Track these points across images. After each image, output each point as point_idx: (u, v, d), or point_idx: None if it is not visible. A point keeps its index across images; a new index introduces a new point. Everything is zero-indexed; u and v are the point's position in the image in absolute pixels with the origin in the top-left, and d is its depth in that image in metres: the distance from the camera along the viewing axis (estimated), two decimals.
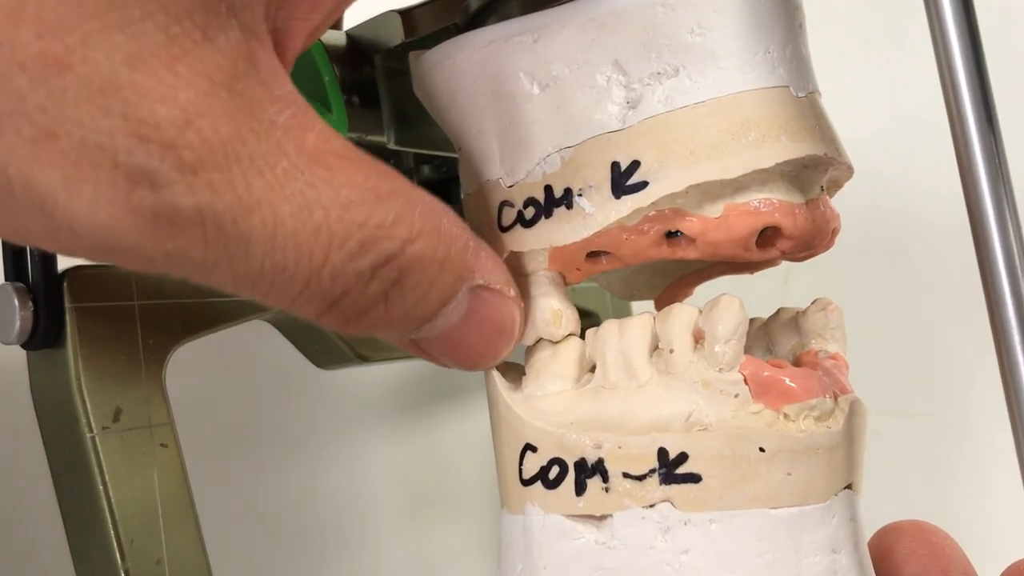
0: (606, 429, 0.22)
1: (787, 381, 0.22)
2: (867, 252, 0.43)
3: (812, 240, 0.23)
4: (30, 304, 0.22)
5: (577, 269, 0.23)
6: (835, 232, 0.24)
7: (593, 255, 0.23)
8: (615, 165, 0.22)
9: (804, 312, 0.25)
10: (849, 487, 0.23)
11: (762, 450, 0.21)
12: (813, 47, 0.24)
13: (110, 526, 0.22)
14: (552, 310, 0.23)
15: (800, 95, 0.23)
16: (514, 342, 0.22)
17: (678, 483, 0.21)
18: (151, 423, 0.23)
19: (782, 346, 0.26)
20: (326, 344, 0.30)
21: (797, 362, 0.24)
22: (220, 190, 0.16)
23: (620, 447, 0.21)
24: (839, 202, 0.25)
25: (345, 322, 0.20)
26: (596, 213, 0.22)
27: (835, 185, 0.25)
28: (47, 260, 0.22)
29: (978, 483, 0.42)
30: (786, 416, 0.22)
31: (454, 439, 0.32)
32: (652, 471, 0.21)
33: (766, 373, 0.22)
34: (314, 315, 0.19)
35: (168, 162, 0.15)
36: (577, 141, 0.22)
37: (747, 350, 0.25)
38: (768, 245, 0.22)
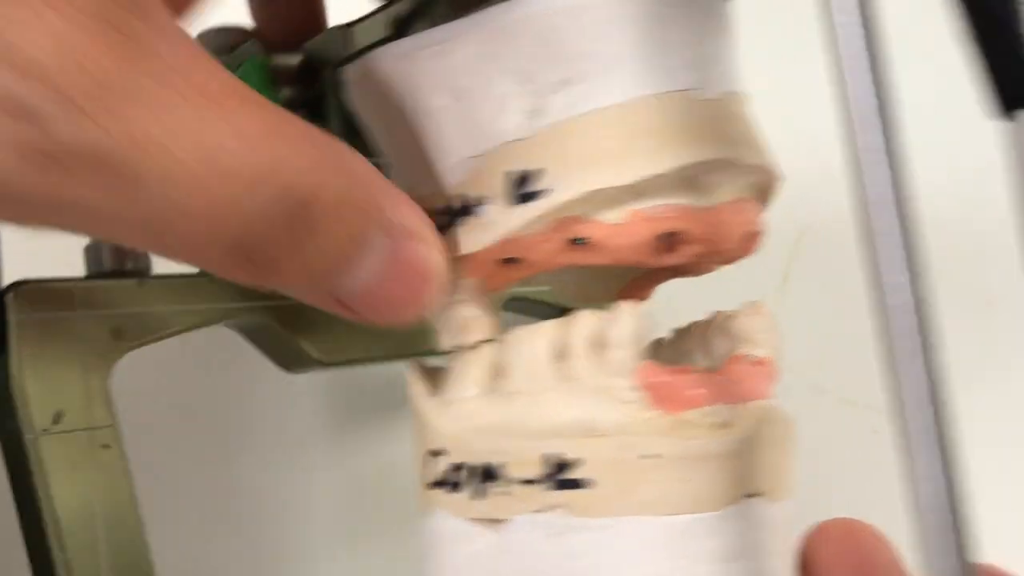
0: (506, 434, 0.22)
1: (683, 388, 0.22)
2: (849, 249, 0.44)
3: (719, 245, 0.23)
4: None
5: (492, 276, 0.24)
6: (752, 237, 0.24)
7: (507, 262, 0.23)
8: (518, 173, 0.22)
9: (735, 315, 0.25)
10: (759, 495, 0.23)
11: (652, 457, 0.22)
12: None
13: (48, 524, 0.23)
14: (463, 318, 0.24)
15: (709, 96, 0.23)
16: (441, 290, 0.22)
17: (570, 488, 0.22)
18: (92, 425, 0.24)
19: (717, 349, 0.26)
20: (291, 347, 0.31)
21: (725, 366, 0.24)
22: (108, 127, 0.15)
23: (517, 452, 0.22)
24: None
25: (259, 273, 0.19)
26: (500, 221, 0.22)
27: (761, 192, 0.25)
28: None
29: (977, 480, 0.42)
30: (681, 423, 0.22)
31: (399, 451, 0.33)
32: (545, 476, 0.22)
33: (662, 380, 0.22)
34: (225, 266, 0.18)
35: (50, 98, 0.15)
36: (483, 150, 0.23)
37: (687, 355, 0.26)
38: (673, 250, 0.23)
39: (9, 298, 0.24)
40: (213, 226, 0.17)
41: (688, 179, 0.23)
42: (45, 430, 0.24)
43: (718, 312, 0.26)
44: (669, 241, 0.23)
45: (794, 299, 0.45)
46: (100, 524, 0.24)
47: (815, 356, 0.39)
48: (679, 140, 0.22)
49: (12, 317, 0.23)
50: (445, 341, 0.24)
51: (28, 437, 0.23)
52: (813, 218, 0.40)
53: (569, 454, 0.22)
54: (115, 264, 0.26)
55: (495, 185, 0.22)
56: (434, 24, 0.23)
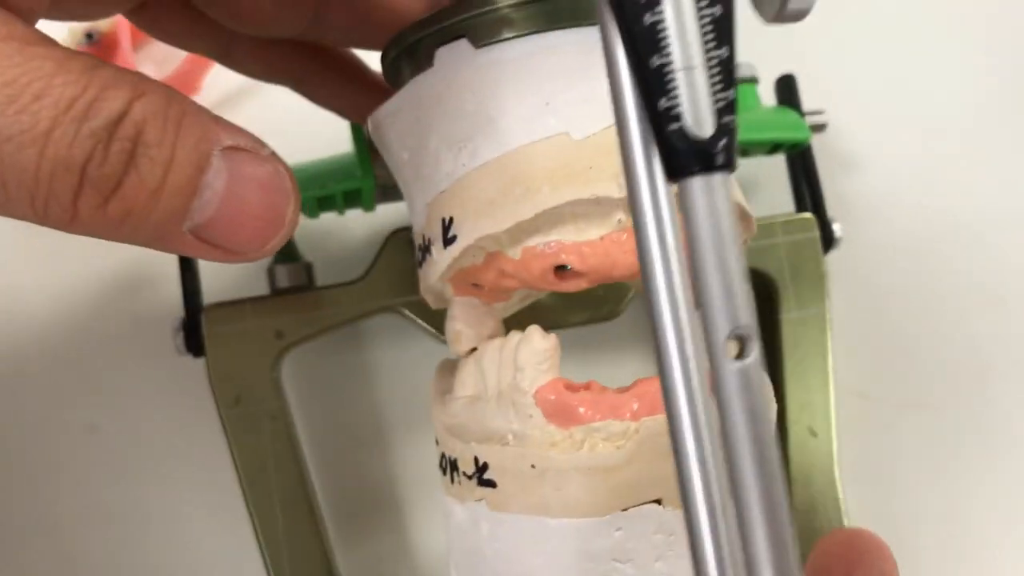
0: (457, 436, 0.27)
1: (577, 405, 0.25)
2: (882, 245, 0.41)
3: (607, 273, 0.24)
4: (181, 331, 0.34)
5: (478, 294, 0.28)
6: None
7: (474, 285, 0.28)
8: (443, 220, 0.26)
9: None
10: (655, 502, 0.24)
11: (543, 467, 0.24)
12: None
13: (238, 471, 0.34)
14: (452, 331, 0.28)
15: (578, 138, 0.24)
16: (296, 203, 0.22)
17: (485, 486, 0.26)
18: (262, 405, 0.34)
19: None
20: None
21: (635, 383, 0.26)
22: None
23: (462, 451, 0.27)
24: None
25: (103, 200, 0.19)
26: (438, 260, 0.27)
27: None
28: (193, 298, 0.34)
29: (990, 475, 0.39)
30: (570, 437, 0.24)
31: None
32: (475, 474, 0.26)
33: (558, 398, 0.25)
34: (69, 197, 0.18)
35: None
36: (431, 199, 0.27)
37: None
38: (566, 280, 0.25)
39: (204, 315, 0.34)
40: (45, 152, 0.18)
41: (578, 213, 0.24)
42: (228, 408, 0.34)
43: None
44: (561, 273, 0.25)
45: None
46: (271, 473, 0.34)
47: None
48: (543, 187, 0.24)
49: (205, 330, 0.34)
50: (451, 349, 0.29)
51: (220, 412, 0.34)
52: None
53: (484, 458, 0.26)
54: (289, 282, 0.35)
55: (436, 229, 0.27)
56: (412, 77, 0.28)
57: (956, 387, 0.40)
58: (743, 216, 0.27)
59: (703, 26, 0.17)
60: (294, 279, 0.35)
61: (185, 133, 0.19)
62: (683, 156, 0.17)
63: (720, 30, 0.17)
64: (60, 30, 0.40)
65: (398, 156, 0.28)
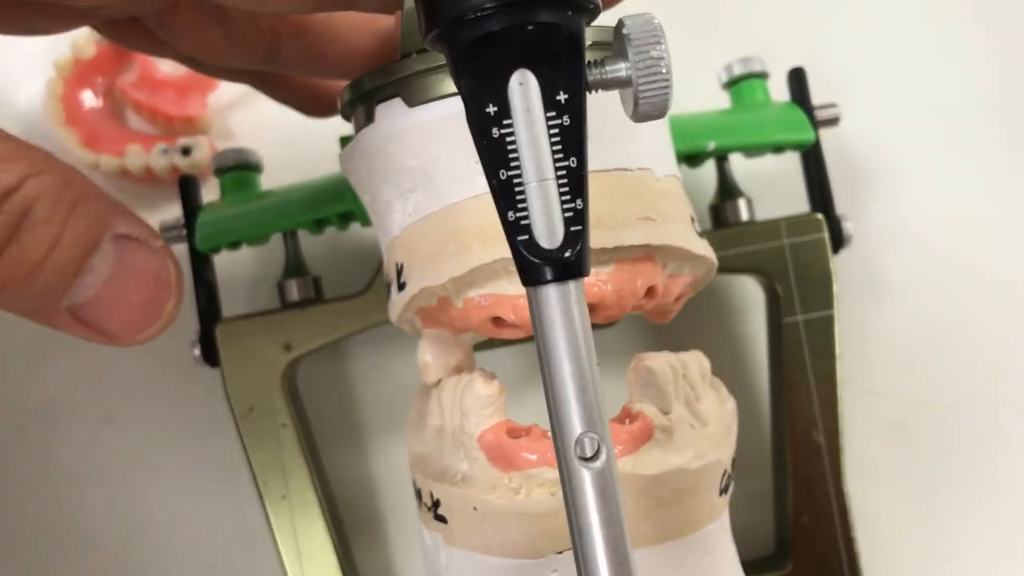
0: (422, 468, 0.28)
1: (517, 451, 0.26)
2: (895, 246, 0.40)
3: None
4: (198, 344, 0.36)
5: (441, 327, 0.29)
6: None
7: (438, 321, 0.29)
8: (396, 265, 0.27)
9: (633, 366, 0.27)
10: None
11: (481, 509, 0.26)
12: None
13: (252, 473, 0.36)
14: (421, 362, 0.30)
15: None
16: (177, 298, 0.22)
17: (438, 520, 0.27)
18: (274, 412, 0.36)
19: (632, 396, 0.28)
20: None
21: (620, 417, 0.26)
22: None
23: (422, 483, 0.28)
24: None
25: None
26: (396, 301, 0.28)
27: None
28: (208, 316, 0.37)
29: (1000, 475, 0.38)
30: (511, 482, 0.25)
31: None
32: (432, 507, 0.28)
33: (500, 443, 0.26)
34: None
35: None
36: (387, 242, 0.28)
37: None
38: (503, 327, 0.26)
39: (218, 331, 0.36)
40: None
41: (507, 270, 0.25)
42: (243, 417, 0.36)
43: (637, 357, 0.27)
44: (499, 322, 0.26)
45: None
46: (285, 478, 0.36)
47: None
48: (473, 244, 0.25)
49: (220, 344, 0.36)
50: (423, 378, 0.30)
51: (236, 421, 0.36)
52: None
53: (437, 495, 0.27)
54: (298, 295, 0.37)
55: (392, 272, 0.28)
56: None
57: (966, 386, 0.39)
58: (691, 258, 0.27)
59: (552, 137, 0.18)
60: (303, 292, 0.37)
61: (77, 215, 0.20)
62: (534, 266, 0.18)
63: (568, 140, 0.18)
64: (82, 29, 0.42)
65: (362, 197, 0.29)
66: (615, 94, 0.25)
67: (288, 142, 0.41)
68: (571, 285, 0.18)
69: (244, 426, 0.36)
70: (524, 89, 0.17)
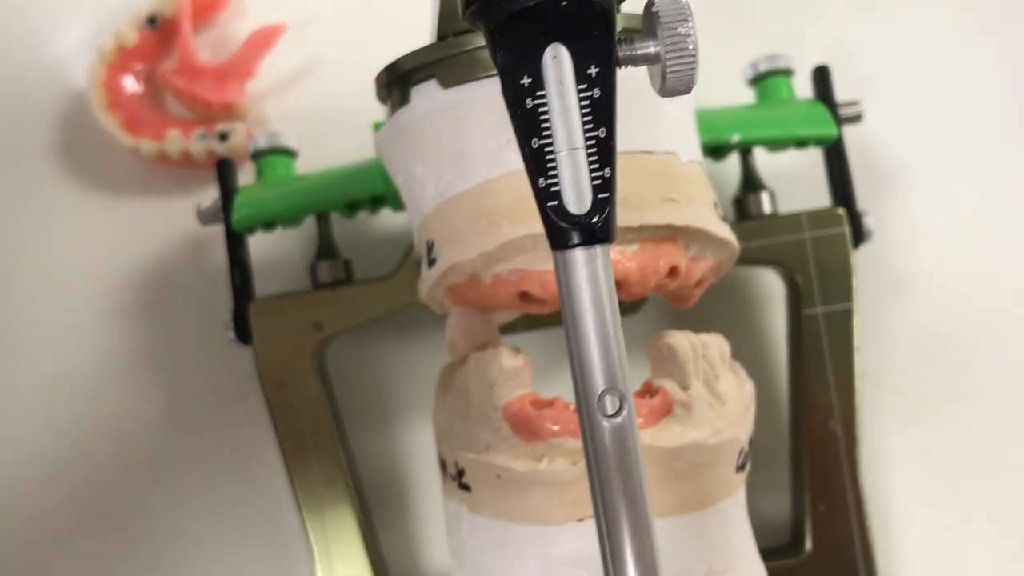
0: (447, 440, 0.29)
1: (540, 421, 0.26)
2: (914, 243, 0.41)
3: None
4: (230, 322, 0.38)
5: (469, 304, 0.30)
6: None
7: (466, 299, 0.30)
8: (427, 243, 0.28)
9: (654, 342, 0.27)
10: None
11: (505, 477, 0.26)
12: None
13: (281, 448, 0.37)
14: (448, 340, 0.31)
15: None
16: None
17: (463, 489, 0.28)
18: (303, 389, 0.37)
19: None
20: None
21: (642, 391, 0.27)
22: None
23: (448, 455, 0.29)
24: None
25: None
26: (425, 278, 0.29)
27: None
28: (242, 295, 0.38)
29: (1014, 472, 0.39)
30: (531, 451, 0.26)
31: None
32: (456, 476, 0.28)
33: (524, 413, 0.27)
34: None
35: None
36: (420, 220, 0.29)
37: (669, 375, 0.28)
38: (531, 303, 0.27)
39: (251, 309, 0.37)
40: None
41: (535, 245, 0.26)
42: (273, 393, 0.37)
43: (659, 335, 0.28)
44: (526, 297, 0.26)
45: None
46: (312, 453, 0.37)
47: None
48: (503, 221, 0.26)
49: (252, 322, 0.37)
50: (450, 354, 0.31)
51: (266, 396, 0.37)
52: None
53: (462, 464, 0.28)
54: (329, 277, 0.38)
55: (423, 249, 0.29)
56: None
57: (982, 384, 0.39)
58: (713, 241, 0.28)
59: (582, 108, 0.18)
60: (334, 274, 0.38)
61: None
62: (563, 230, 0.19)
63: (598, 112, 0.18)
64: (125, 13, 0.43)
65: (395, 178, 0.30)
66: (643, 81, 0.26)
67: (322, 131, 0.42)
68: (597, 249, 0.19)
69: (273, 402, 0.37)
70: (557, 62, 0.18)
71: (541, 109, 0.18)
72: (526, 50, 0.18)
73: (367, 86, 0.38)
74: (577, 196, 0.18)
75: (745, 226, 0.37)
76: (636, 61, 0.19)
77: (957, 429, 0.39)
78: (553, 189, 0.18)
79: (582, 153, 0.18)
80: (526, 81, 0.18)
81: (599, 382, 0.19)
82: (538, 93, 0.18)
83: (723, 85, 0.39)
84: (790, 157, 0.39)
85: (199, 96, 0.42)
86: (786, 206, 0.38)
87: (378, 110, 0.37)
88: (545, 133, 0.18)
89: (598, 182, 0.18)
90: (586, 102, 0.18)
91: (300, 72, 0.44)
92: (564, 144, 0.18)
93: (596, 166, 0.18)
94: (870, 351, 0.39)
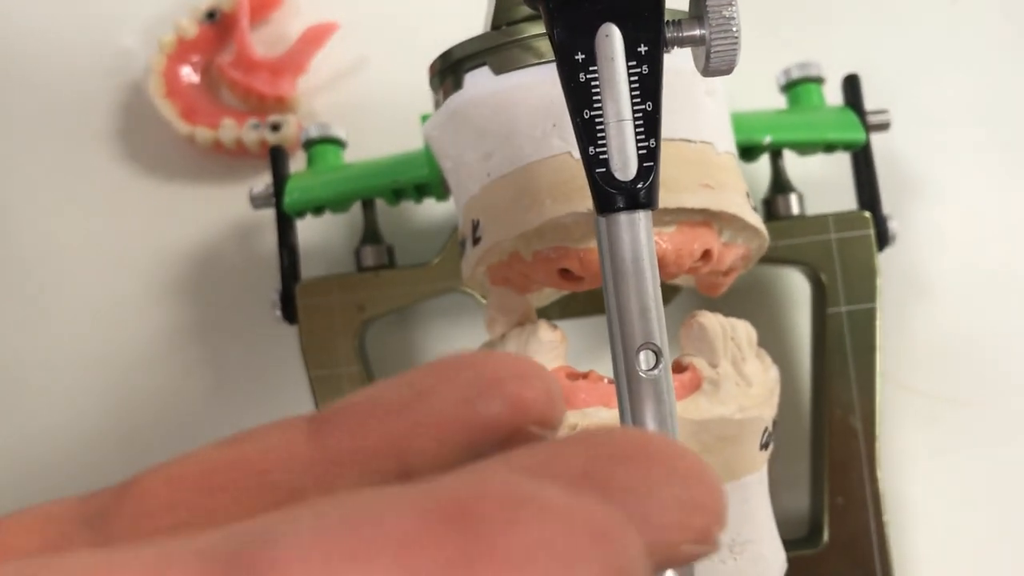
0: None
1: (576, 392, 0.28)
2: (937, 249, 0.42)
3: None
4: (279, 302, 0.39)
5: (508, 285, 0.32)
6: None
7: (504, 279, 0.31)
8: (473, 222, 0.30)
9: (687, 322, 0.29)
10: None
11: None
12: None
13: None
14: (488, 317, 0.32)
15: (579, 157, 0.27)
16: None
17: None
18: (344, 369, 0.39)
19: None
20: None
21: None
22: None
23: None
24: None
25: None
26: (469, 256, 0.30)
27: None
28: (290, 276, 0.39)
29: None
30: (567, 420, 0.28)
31: None
32: None
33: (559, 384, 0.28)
34: None
35: None
36: (464, 203, 0.31)
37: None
38: (571, 281, 0.28)
39: (297, 289, 0.39)
40: None
41: (577, 224, 0.27)
42: (316, 371, 0.39)
43: (691, 314, 0.29)
44: (565, 275, 0.28)
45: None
46: None
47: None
48: (546, 200, 0.27)
49: (299, 302, 0.39)
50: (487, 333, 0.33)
51: (309, 373, 0.39)
52: None
53: None
54: (373, 261, 0.40)
55: (468, 229, 0.30)
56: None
57: (1001, 386, 0.40)
58: (746, 228, 0.29)
59: (631, 83, 0.20)
60: (377, 259, 0.40)
61: None
62: (609, 195, 0.20)
63: (646, 87, 0.20)
64: (185, 7, 0.45)
65: (443, 164, 0.32)
66: (684, 74, 0.27)
67: (369, 127, 0.44)
68: (640, 214, 0.20)
69: (316, 379, 0.39)
70: (609, 40, 0.20)
71: (593, 83, 0.20)
72: (581, 28, 0.20)
73: (414, 84, 0.40)
74: (623, 164, 0.20)
75: (774, 226, 0.38)
76: (683, 42, 0.21)
77: (974, 430, 0.40)
78: (602, 157, 0.20)
79: (629, 124, 0.20)
80: (580, 57, 0.20)
81: (637, 337, 0.20)
82: (591, 68, 0.20)
83: (756, 92, 0.41)
84: (818, 163, 0.40)
85: (254, 88, 0.44)
86: (813, 209, 0.39)
87: (423, 108, 0.39)
88: (596, 105, 0.20)
89: (643, 151, 0.20)
90: (635, 78, 0.20)
91: (350, 69, 0.46)
92: (613, 115, 0.20)
93: (642, 136, 0.20)
94: (891, 352, 0.40)
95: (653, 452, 0.14)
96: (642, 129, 0.20)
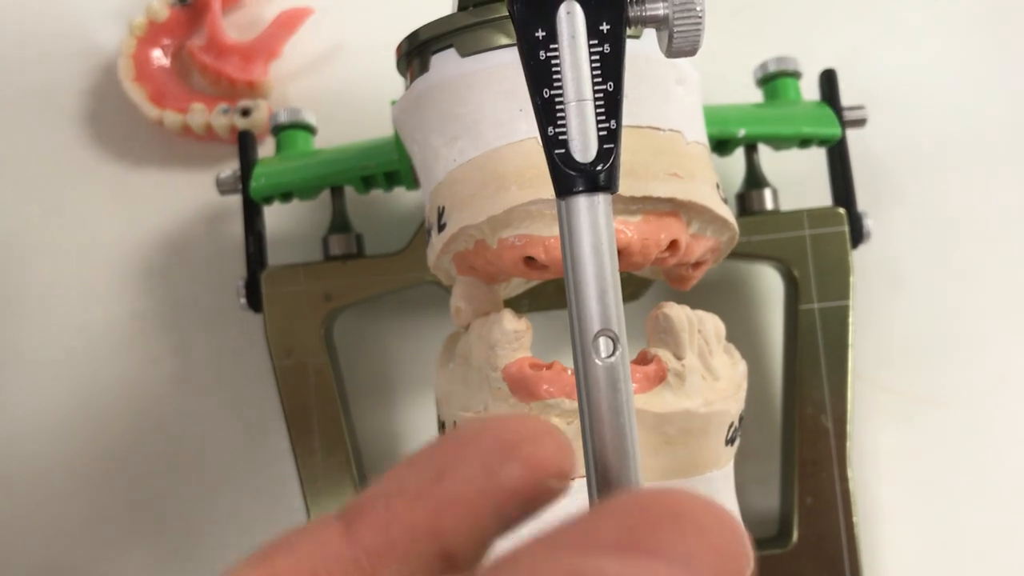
0: (448, 402, 0.30)
1: (538, 382, 0.27)
2: (911, 246, 0.42)
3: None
4: (244, 289, 0.39)
5: (474, 274, 0.31)
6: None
7: (471, 267, 0.31)
8: (438, 208, 0.29)
9: (654, 313, 0.28)
10: None
11: None
12: None
13: (285, 415, 0.38)
14: (453, 307, 0.32)
15: None
16: None
17: None
18: (309, 358, 0.38)
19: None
20: None
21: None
22: None
23: (447, 416, 0.30)
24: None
25: None
26: (435, 243, 0.30)
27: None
28: (255, 264, 0.39)
29: (998, 476, 0.40)
30: (531, 411, 0.27)
31: None
32: None
33: (522, 374, 0.28)
34: None
35: None
36: (431, 189, 0.30)
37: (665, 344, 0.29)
38: (536, 269, 0.28)
39: (263, 277, 0.38)
40: None
41: (541, 212, 0.27)
42: (281, 361, 0.38)
43: (657, 305, 0.29)
44: (530, 263, 0.27)
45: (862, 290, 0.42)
46: (315, 420, 0.38)
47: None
48: (512, 186, 0.27)
49: (264, 290, 0.38)
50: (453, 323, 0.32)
51: (274, 363, 0.38)
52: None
53: (460, 423, 0.29)
54: (341, 250, 0.39)
55: (433, 216, 0.30)
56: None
57: (972, 388, 0.40)
58: (715, 220, 0.29)
59: (592, 62, 0.20)
60: (345, 248, 0.39)
61: None
62: (568, 177, 0.20)
63: (607, 66, 0.20)
64: None
65: (410, 148, 0.31)
66: (652, 61, 0.27)
67: (341, 114, 0.43)
68: (600, 197, 0.20)
69: (281, 369, 0.38)
70: (571, 18, 0.19)
71: (554, 61, 0.19)
72: (542, 5, 0.19)
73: (388, 71, 0.40)
74: (583, 145, 0.19)
75: (747, 221, 0.38)
76: (645, 21, 0.20)
77: (945, 430, 0.40)
78: (561, 138, 0.19)
79: (590, 104, 0.19)
80: (540, 34, 0.19)
81: (595, 324, 0.20)
82: (551, 46, 0.19)
83: (732, 86, 0.40)
84: (792, 158, 0.40)
85: (224, 73, 0.44)
86: (787, 205, 0.39)
87: (396, 95, 0.38)
88: (556, 84, 0.19)
89: (604, 133, 0.19)
90: (596, 57, 0.19)
91: (323, 55, 0.45)
92: (573, 95, 0.19)
93: (603, 117, 0.19)
94: (863, 350, 0.39)
95: (680, 512, 0.15)
96: (603, 110, 0.19)
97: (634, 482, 0.19)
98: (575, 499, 0.27)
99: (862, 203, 0.39)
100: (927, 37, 0.44)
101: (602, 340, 0.19)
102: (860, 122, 0.39)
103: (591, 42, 0.19)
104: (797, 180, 0.41)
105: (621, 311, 0.20)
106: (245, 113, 0.43)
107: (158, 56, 0.44)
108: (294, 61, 0.45)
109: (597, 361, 0.19)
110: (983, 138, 0.43)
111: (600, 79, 0.19)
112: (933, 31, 0.44)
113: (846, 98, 0.39)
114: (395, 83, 0.38)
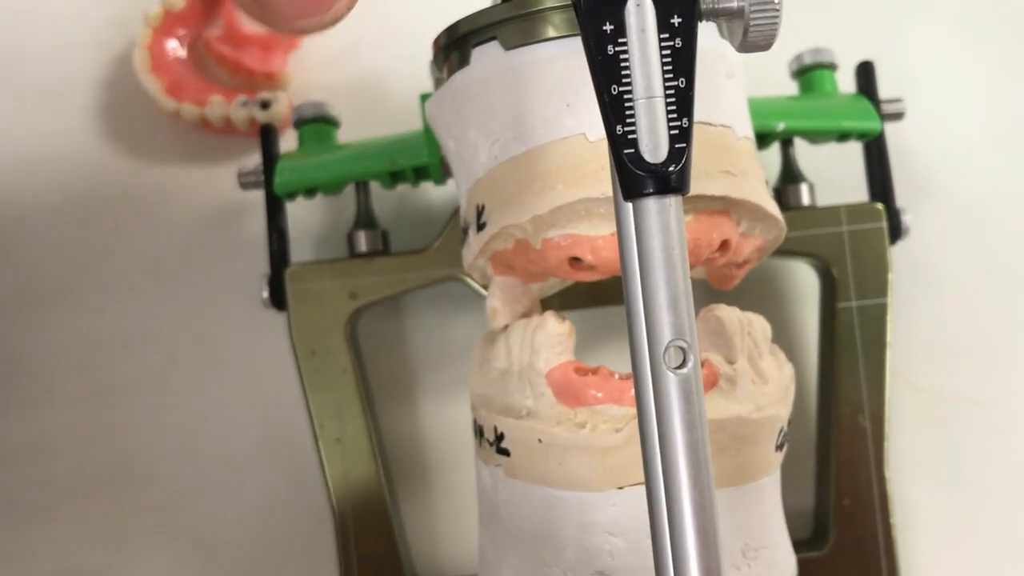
0: (486, 405, 0.29)
1: (584, 388, 0.26)
2: (949, 244, 0.41)
3: (614, 267, 0.26)
4: (267, 287, 0.38)
5: (511, 274, 0.30)
6: None
7: (508, 267, 0.30)
8: (477, 206, 0.28)
9: (703, 316, 0.28)
10: None
11: (548, 441, 0.26)
12: None
13: (310, 414, 0.37)
14: (490, 308, 0.31)
15: (594, 139, 0.25)
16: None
17: (501, 454, 0.28)
18: (334, 357, 0.37)
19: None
20: None
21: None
22: None
23: (486, 420, 0.29)
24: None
25: None
26: (472, 242, 0.29)
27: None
28: (279, 261, 0.38)
29: None
30: (576, 417, 0.26)
31: None
32: (495, 441, 0.28)
33: (568, 380, 0.27)
34: None
35: None
36: (468, 186, 0.29)
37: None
38: (581, 270, 0.27)
39: (287, 274, 0.37)
40: None
41: (588, 211, 0.26)
42: (305, 359, 0.37)
43: (707, 307, 0.28)
44: (576, 264, 0.27)
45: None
46: (340, 415, 0.37)
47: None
48: (558, 184, 0.26)
49: (288, 287, 0.37)
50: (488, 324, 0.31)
51: (298, 362, 0.37)
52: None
53: (501, 428, 0.28)
54: (366, 247, 0.38)
55: (472, 214, 0.29)
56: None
57: (1011, 387, 0.39)
58: (765, 218, 0.28)
59: (663, 58, 0.19)
60: (371, 244, 0.38)
61: None
62: (637, 178, 0.19)
63: (679, 62, 0.19)
64: None
65: (446, 144, 0.30)
66: (702, 53, 0.26)
67: (364, 103, 0.42)
68: (671, 199, 0.19)
69: (306, 368, 0.37)
70: (640, 10, 0.18)
71: (622, 56, 0.18)
72: None
73: (410, 64, 0.39)
74: (653, 145, 0.19)
75: (784, 216, 0.37)
76: (719, 14, 0.19)
77: (983, 431, 0.39)
78: (630, 137, 0.19)
79: (661, 102, 0.18)
80: (608, 28, 0.18)
81: (666, 333, 0.19)
82: (619, 40, 0.18)
83: (767, 77, 0.39)
84: (825, 153, 0.39)
85: (243, 64, 0.42)
86: (824, 200, 0.38)
87: (420, 87, 0.37)
88: (625, 80, 0.18)
89: (675, 131, 0.18)
90: (667, 51, 0.18)
91: (345, 45, 0.44)
92: (643, 92, 0.18)
93: (674, 115, 0.18)
94: (900, 349, 0.38)
95: None
96: (674, 107, 0.18)
97: (709, 502, 0.18)
98: (626, 508, 0.26)
99: (898, 199, 0.38)
100: (965, 26, 0.43)
101: (673, 350, 0.19)
102: (898, 116, 0.38)
103: (662, 36, 0.18)
104: (832, 174, 0.40)
105: (693, 320, 0.19)
106: (265, 106, 0.41)
107: (174, 47, 0.43)
108: (314, 52, 0.44)
109: (669, 372, 0.18)
110: (1021, 131, 0.42)
111: (671, 75, 0.18)
112: (972, 20, 0.43)
113: (882, 90, 0.38)
114: (419, 73, 0.37)
